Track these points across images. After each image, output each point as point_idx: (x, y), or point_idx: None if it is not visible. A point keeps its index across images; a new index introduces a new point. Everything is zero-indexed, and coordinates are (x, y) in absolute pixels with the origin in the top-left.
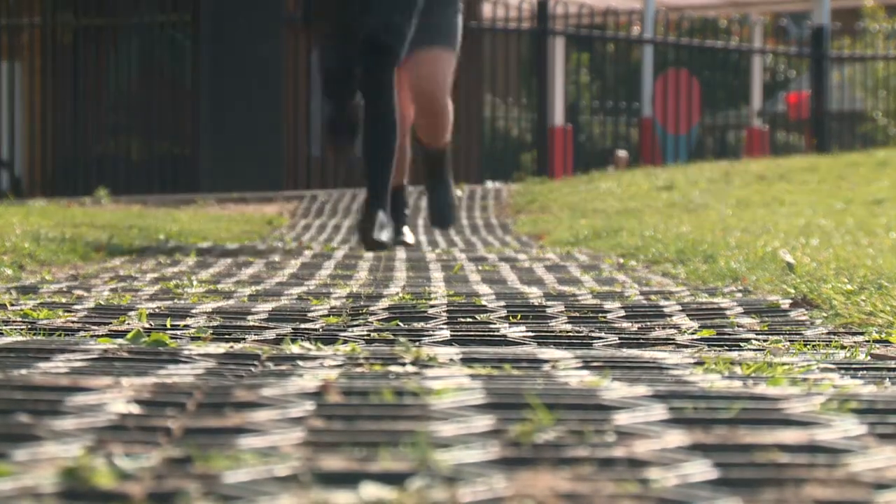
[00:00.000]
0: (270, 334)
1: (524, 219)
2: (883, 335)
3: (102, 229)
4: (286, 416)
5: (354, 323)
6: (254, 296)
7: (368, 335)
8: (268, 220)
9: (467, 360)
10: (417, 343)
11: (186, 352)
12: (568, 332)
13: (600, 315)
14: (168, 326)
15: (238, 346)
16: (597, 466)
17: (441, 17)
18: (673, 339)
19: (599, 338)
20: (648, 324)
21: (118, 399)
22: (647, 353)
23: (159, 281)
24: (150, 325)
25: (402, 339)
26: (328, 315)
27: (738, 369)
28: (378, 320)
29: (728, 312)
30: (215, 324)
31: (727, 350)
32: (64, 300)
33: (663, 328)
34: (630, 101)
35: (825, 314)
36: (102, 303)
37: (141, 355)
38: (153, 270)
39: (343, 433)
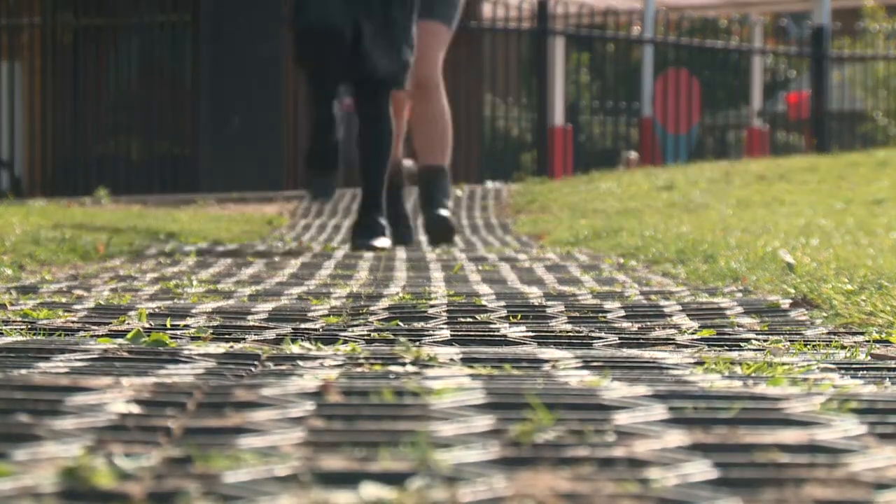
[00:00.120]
0: (270, 334)
1: (524, 219)
2: (883, 335)
3: (102, 229)
4: (286, 416)
5: (354, 323)
6: (254, 296)
7: (368, 335)
8: (268, 220)
9: (467, 360)
10: (417, 343)
11: (186, 352)
12: (568, 332)
13: (600, 315)
14: (168, 326)
15: (238, 346)
16: (597, 466)
17: None
18: (673, 339)
19: (599, 338)
20: (648, 324)
21: (118, 399)
22: (647, 353)
23: (159, 281)
24: (150, 325)
25: (402, 339)
26: (328, 315)
27: (738, 369)
28: (378, 320)
29: (728, 312)
30: (215, 324)
31: (727, 350)
32: (64, 300)
33: (663, 328)
34: (630, 101)
35: (825, 314)
36: (102, 303)
37: (141, 355)
38: (153, 270)
39: (343, 433)
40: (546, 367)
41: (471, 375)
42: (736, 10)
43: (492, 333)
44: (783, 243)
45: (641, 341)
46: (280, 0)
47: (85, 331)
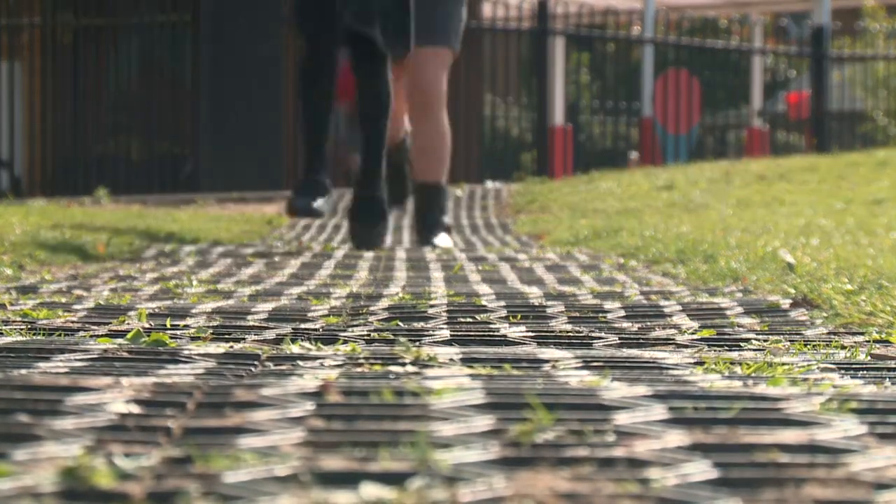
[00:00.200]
0: (270, 334)
1: (524, 219)
2: (883, 335)
3: (102, 229)
4: (286, 416)
5: (354, 323)
6: (254, 296)
7: (368, 335)
8: (268, 219)
9: (467, 360)
10: (417, 343)
11: (186, 352)
12: (568, 332)
13: (600, 315)
14: (168, 326)
15: (238, 346)
16: (597, 466)
17: (443, 7)
18: (673, 339)
19: (599, 338)
20: (648, 324)
21: (118, 399)
22: (647, 353)
23: (159, 281)
24: (150, 325)
25: (402, 339)
26: (328, 315)
27: (738, 369)
28: (378, 320)
29: (728, 312)
30: (215, 324)
31: (727, 350)
32: (64, 300)
33: (663, 328)
34: (630, 101)
35: (825, 314)
36: (102, 303)
37: (141, 355)
38: (153, 270)
39: (343, 433)
40: (546, 367)
41: (471, 375)
42: (736, 10)
43: (492, 333)
44: (783, 243)
45: (641, 341)
46: (280, 0)
47: (85, 331)
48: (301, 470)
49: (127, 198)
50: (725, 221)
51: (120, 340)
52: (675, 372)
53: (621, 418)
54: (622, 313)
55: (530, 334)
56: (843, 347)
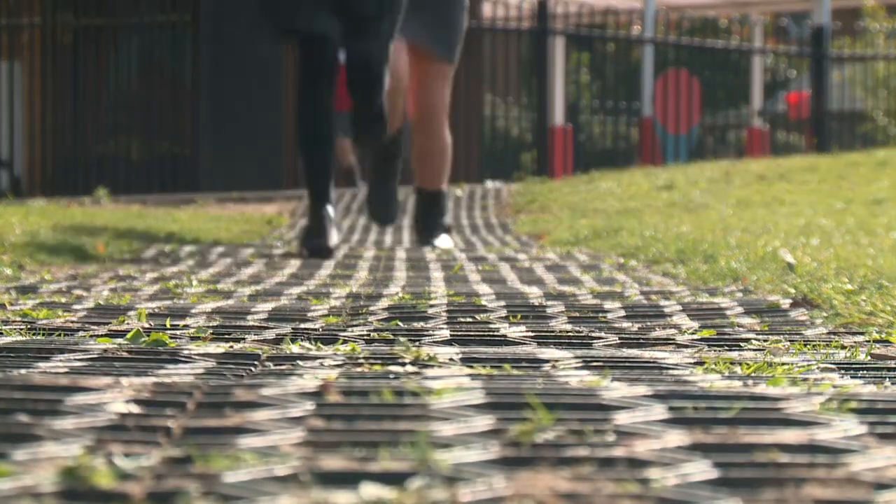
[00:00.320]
0: (270, 334)
1: (524, 218)
2: (883, 335)
3: (102, 229)
4: (286, 416)
5: (354, 323)
6: (253, 296)
7: (368, 335)
8: (268, 219)
9: (467, 360)
10: (417, 343)
11: (186, 352)
12: (568, 332)
13: (600, 315)
14: (168, 326)
15: (238, 346)
16: (597, 466)
17: (443, 15)
18: (673, 339)
19: (599, 338)
20: (648, 324)
21: (118, 399)
22: (647, 353)
23: (159, 281)
24: (150, 324)
25: (402, 339)
26: (328, 315)
27: (738, 369)
28: (378, 320)
29: (728, 312)
30: (215, 324)
31: (727, 350)
32: (63, 300)
33: (663, 328)
34: (630, 101)
35: (825, 314)
36: (102, 303)
37: (141, 355)
38: (153, 270)
39: (343, 433)
40: (546, 367)
41: (470, 375)
42: (736, 9)
43: (492, 333)
44: (783, 243)
45: (641, 341)
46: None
47: (85, 331)
48: (301, 470)
49: (127, 198)
50: (725, 221)
51: (120, 340)
52: (675, 372)
53: (621, 418)
54: (622, 313)
55: (530, 334)
56: (843, 347)
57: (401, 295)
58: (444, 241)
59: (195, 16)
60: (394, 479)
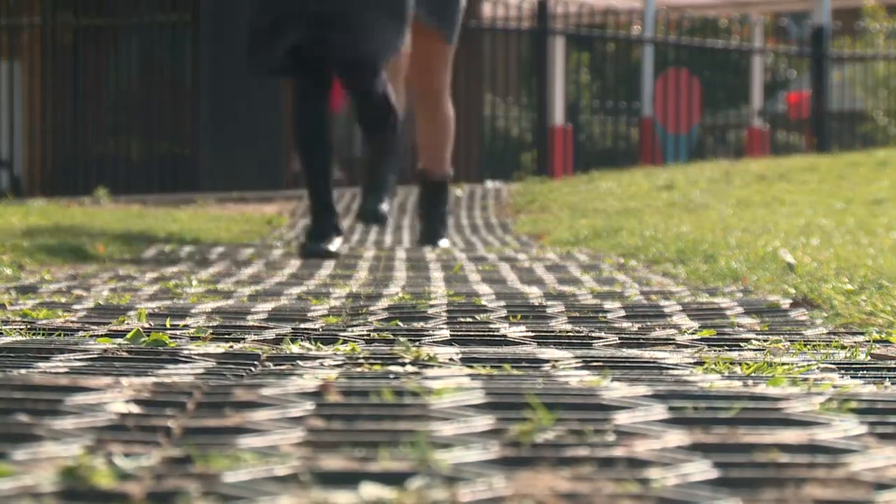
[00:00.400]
0: (270, 334)
1: (524, 218)
2: (883, 335)
3: (102, 229)
4: (286, 416)
5: (354, 323)
6: (253, 296)
7: (368, 335)
8: (268, 219)
9: (467, 360)
10: (417, 343)
11: (186, 352)
12: (568, 332)
13: (600, 315)
14: (168, 326)
15: (238, 346)
16: (597, 466)
17: None
18: (673, 339)
19: (599, 338)
20: (648, 324)
21: (118, 399)
22: (647, 353)
23: (159, 281)
24: (150, 324)
25: (402, 339)
26: (328, 315)
27: (738, 369)
28: (378, 320)
29: (728, 312)
30: (215, 324)
31: (727, 350)
32: (63, 300)
33: (663, 328)
34: (630, 101)
35: (825, 314)
36: (102, 303)
37: (141, 355)
38: (153, 270)
39: (343, 433)
40: (546, 367)
41: (470, 375)
42: (736, 9)
43: (492, 333)
44: (783, 243)
45: (641, 341)
46: None
47: (84, 331)
48: (301, 470)
49: (127, 198)
50: (725, 221)
51: (120, 340)
52: (675, 372)
53: (621, 418)
54: (622, 313)
55: (530, 334)
56: (843, 347)
57: (401, 295)
58: (444, 241)
59: (195, 16)
60: (394, 479)
